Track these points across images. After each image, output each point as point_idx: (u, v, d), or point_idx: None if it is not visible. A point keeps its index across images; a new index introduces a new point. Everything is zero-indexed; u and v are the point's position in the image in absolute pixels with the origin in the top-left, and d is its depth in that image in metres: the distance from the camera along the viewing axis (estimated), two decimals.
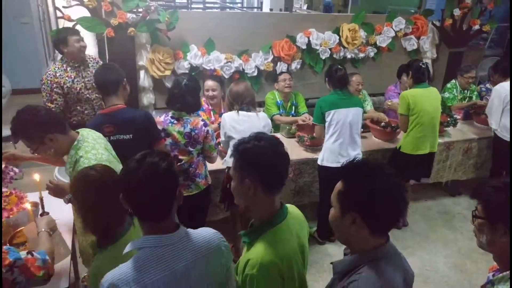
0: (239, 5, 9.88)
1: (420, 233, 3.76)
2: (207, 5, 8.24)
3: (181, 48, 3.86)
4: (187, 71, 3.90)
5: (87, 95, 3.29)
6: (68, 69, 3.21)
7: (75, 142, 1.92)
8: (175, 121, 2.57)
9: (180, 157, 2.59)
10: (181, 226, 1.32)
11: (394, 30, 4.70)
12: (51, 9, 7.53)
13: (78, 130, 2.02)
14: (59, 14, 3.53)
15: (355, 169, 1.27)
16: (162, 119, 2.61)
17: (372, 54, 4.70)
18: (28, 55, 6.63)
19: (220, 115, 3.50)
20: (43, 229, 1.69)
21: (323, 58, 4.46)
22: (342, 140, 3.11)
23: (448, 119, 4.14)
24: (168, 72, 3.80)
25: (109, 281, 1.18)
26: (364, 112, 4.19)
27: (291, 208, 1.49)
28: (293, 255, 1.35)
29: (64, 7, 3.53)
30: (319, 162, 3.23)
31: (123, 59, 3.60)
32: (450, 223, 3.93)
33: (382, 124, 3.92)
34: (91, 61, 3.39)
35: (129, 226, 1.53)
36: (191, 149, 2.60)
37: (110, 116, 2.34)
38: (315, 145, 3.50)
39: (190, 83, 2.57)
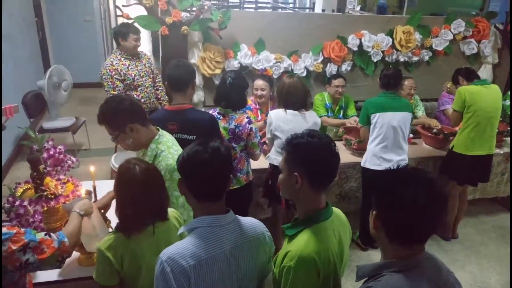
0: (291, 5, 9.86)
1: (471, 247, 3.57)
2: (259, 4, 8.30)
3: (231, 47, 3.92)
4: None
5: (142, 82, 3.54)
6: (122, 59, 3.48)
7: (156, 136, 1.96)
8: (221, 117, 2.62)
9: None
10: (231, 210, 1.40)
11: (452, 33, 4.50)
12: (111, 7, 7.91)
13: (157, 127, 2.05)
14: (118, 12, 3.72)
15: (395, 172, 1.26)
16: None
17: (427, 57, 4.53)
18: (88, 51, 7.01)
19: (267, 115, 3.52)
20: (77, 210, 1.72)
21: (375, 60, 4.35)
22: (385, 144, 3.04)
23: (508, 128, 3.89)
24: (218, 71, 3.87)
25: (167, 255, 1.25)
26: (416, 117, 4.06)
27: (336, 210, 1.48)
28: (332, 254, 1.34)
29: (123, 5, 3.72)
30: (362, 164, 3.19)
31: (176, 57, 3.69)
32: (505, 239, 3.70)
33: (434, 130, 3.76)
34: (143, 55, 3.67)
35: (146, 230, 1.58)
36: (235, 145, 2.63)
37: (175, 114, 2.34)
38: (363, 149, 3.42)
39: (235, 81, 2.59)
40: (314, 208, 1.38)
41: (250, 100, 3.55)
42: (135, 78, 3.49)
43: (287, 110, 2.79)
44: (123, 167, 1.57)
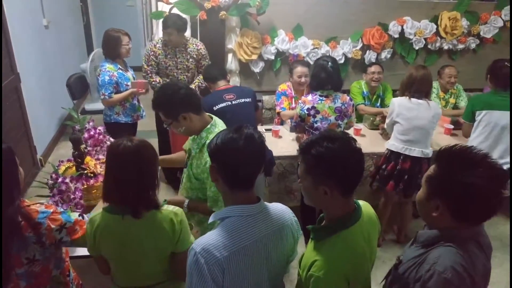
0: None
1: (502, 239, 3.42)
2: None
3: (269, 33, 3.90)
4: (273, 57, 3.94)
5: (175, 74, 3.51)
6: (162, 45, 3.47)
7: (208, 126, 1.96)
8: (324, 98, 2.80)
9: None
10: (261, 199, 1.37)
11: (502, 20, 4.26)
12: None
13: (210, 115, 2.07)
14: None
15: (452, 156, 1.22)
16: (310, 98, 2.83)
17: (473, 45, 4.32)
18: (130, 35, 7.17)
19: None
20: None
21: (417, 48, 4.21)
22: (489, 143, 2.97)
23: None
24: (254, 57, 3.86)
25: (201, 246, 1.24)
26: (458, 108, 3.90)
27: (365, 206, 1.40)
28: (362, 261, 1.30)
29: None
30: None
31: (213, 42, 3.74)
32: None
33: None
34: (192, 45, 3.50)
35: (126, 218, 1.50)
36: (340, 122, 2.84)
37: (226, 89, 2.79)
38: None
39: (334, 65, 2.80)
40: (343, 212, 1.30)
41: (286, 85, 3.53)
42: (169, 67, 3.49)
43: (412, 99, 2.86)
44: (113, 145, 1.54)
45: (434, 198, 1.21)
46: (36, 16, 4.30)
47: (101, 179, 2.15)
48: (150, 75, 3.49)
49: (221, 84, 2.84)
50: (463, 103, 3.93)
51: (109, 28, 3.23)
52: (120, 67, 3.24)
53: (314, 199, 1.32)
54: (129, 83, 3.26)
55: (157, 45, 3.47)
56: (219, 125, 2.03)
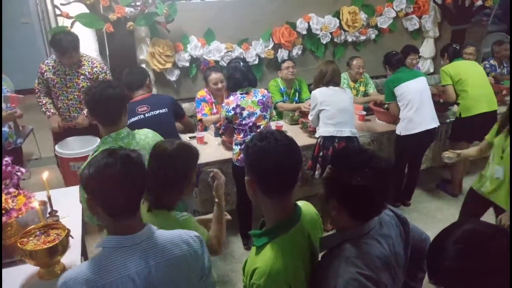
0: None
1: (427, 213, 3.75)
2: None
3: (181, 40, 3.85)
4: (188, 63, 3.90)
5: (64, 93, 3.25)
6: (54, 62, 3.24)
7: (106, 136, 1.97)
8: (245, 95, 2.89)
9: (258, 123, 2.90)
10: (148, 227, 1.27)
11: (395, 11, 4.66)
12: (50, 7, 7.47)
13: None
14: (58, 12, 3.53)
15: (341, 159, 1.30)
16: (232, 98, 2.89)
17: (373, 36, 4.66)
18: (28, 55, 6.58)
19: (222, 106, 3.50)
20: None
21: (324, 42, 4.43)
22: (417, 107, 3.32)
23: None
24: (169, 65, 3.79)
25: (63, 279, 1.16)
26: (367, 95, 4.19)
27: (305, 206, 1.41)
28: (303, 262, 1.29)
29: (62, 4, 3.51)
30: (398, 133, 3.46)
31: (123, 54, 3.60)
32: (458, 202, 3.90)
33: (386, 106, 3.88)
34: (88, 62, 3.27)
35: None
36: (265, 114, 2.94)
37: (142, 101, 2.68)
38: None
39: (245, 64, 2.98)
40: (279, 215, 1.29)
41: (204, 92, 3.51)
42: (56, 85, 3.20)
43: (330, 87, 3.12)
44: (156, 149, 1.71)
45: (331, 198, 1.26)
46: None
47: (14, 214, 1.95)
48: (38, 94, 3.29)
49: (139, 94, 2.74)
50: (371, 89, 4.23)
51: None
52: None
53: (252, 198, 1.32)
54: None
55: (46, 61, 3.25)
56: (125, 139, 2.00)
